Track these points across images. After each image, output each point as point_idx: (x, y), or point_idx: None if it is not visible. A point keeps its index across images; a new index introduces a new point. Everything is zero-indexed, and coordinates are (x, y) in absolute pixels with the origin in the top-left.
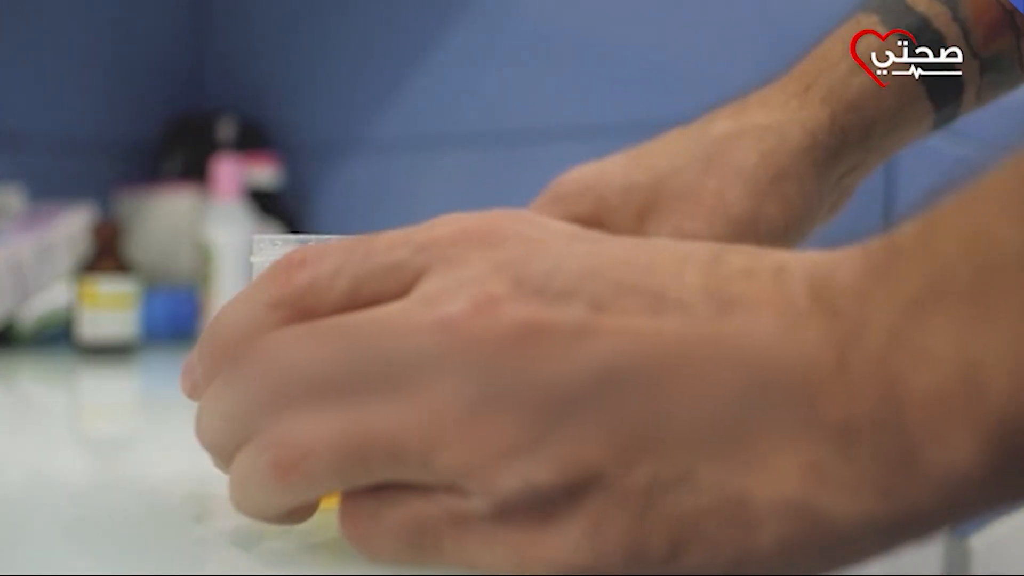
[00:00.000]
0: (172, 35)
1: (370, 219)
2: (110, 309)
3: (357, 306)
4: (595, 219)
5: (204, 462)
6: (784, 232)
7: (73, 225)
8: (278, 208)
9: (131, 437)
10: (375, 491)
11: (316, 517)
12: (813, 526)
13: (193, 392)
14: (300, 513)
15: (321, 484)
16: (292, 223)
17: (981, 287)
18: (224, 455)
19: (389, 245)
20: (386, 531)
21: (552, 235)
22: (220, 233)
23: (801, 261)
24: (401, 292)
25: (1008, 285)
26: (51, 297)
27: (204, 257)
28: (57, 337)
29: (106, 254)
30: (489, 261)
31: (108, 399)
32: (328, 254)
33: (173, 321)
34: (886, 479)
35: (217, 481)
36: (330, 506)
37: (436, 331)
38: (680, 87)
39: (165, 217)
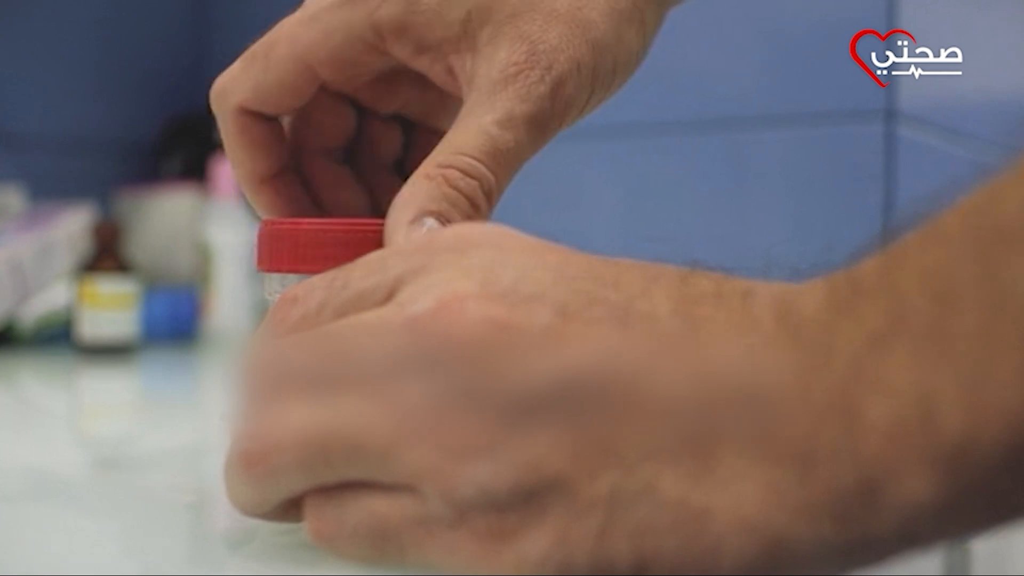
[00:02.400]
0: (172, 35)
1: None
2: (110, 309)
3: None
4: (402, 24)
5: (203, 462)
6: (636, 62)
7: (73, 225)
8: None
9: (131, 437)
10: (340, 490)
11: None
12: (772, 548)
13: None
14: (287, 511)
15: (286, 478)
16: None
17: (939, 323)
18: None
19: (364, 272)
20: (349, 532)
21: (521, 246)
22: (220, 233)
23: (768, 288)
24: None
25: (964, 321)
26: (51, 297)
27: (204, 257)
28: (57, 337)
29: (106, 254)
30: (457, 266)
31: (108, 399)
32: (314, 289)
33: (173, 321)
34: (842, 506)
35: (216, 481)
36: None
37: (404, 330)
38: (681, 88)
39: (165, 217)
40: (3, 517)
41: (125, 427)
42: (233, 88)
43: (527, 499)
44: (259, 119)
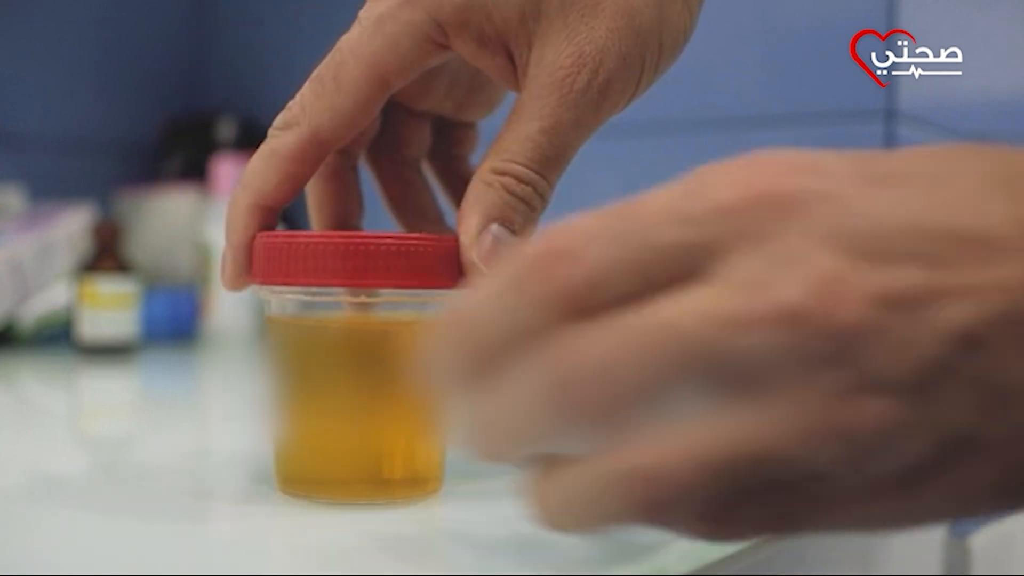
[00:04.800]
0: (172, 35)
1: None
2: (110, 309)
3: (646, 298)
4: (463, 19)
5: (204, 462)
6: (683, 40)
7: (73, 225)
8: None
9: (131, 437)
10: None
11: (311, 516)
12: None
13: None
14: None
15: (688, 506)
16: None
17: None
18: (522, 463)
19: (664, 220)
20: (750, 527)
21: (844, 182)
22: (220, 233)
23: None
24: (694, 276)
25: None
26: (51, 297)
27: (204, 257)
28: (57, 337)
29: (106, 254)
30: (800, 232)
31: (108, 399)
32: (593, 239)
33: (173, 321)
34: None
35: (216, 481)
36: (328, 500)
37: (779, 322)
38: (681, 87)
39: (165, 217)
40: (3, 517)
41: (125, 427)
42: (304, 116)
43: (941, 462)
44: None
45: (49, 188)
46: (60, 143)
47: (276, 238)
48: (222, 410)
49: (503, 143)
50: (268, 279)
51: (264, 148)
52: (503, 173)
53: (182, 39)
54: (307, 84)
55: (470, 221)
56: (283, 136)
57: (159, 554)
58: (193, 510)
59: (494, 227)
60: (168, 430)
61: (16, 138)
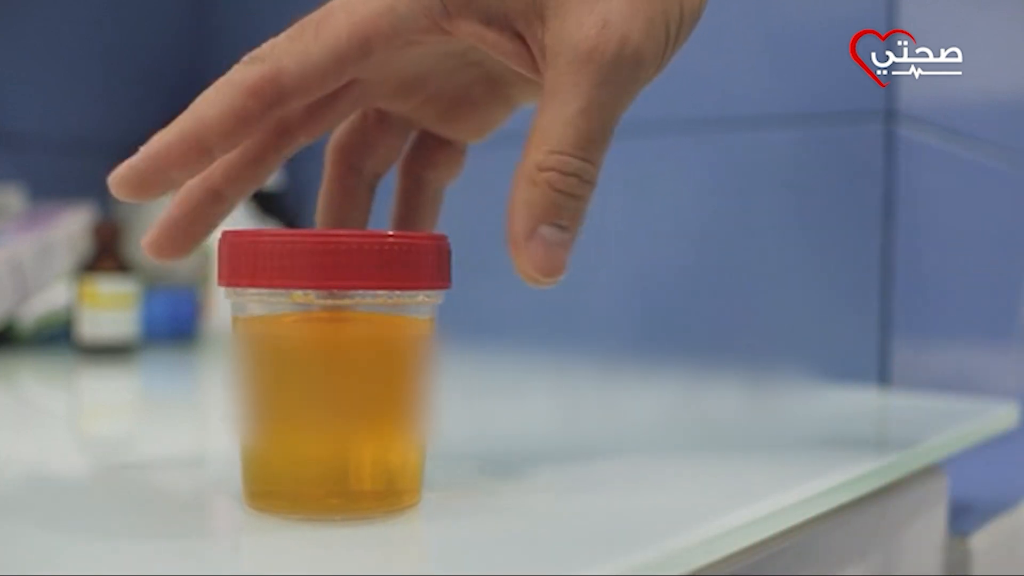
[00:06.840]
0: (172, 35)
1: (370, 219)
2: (110, 309)
3: None
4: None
5: (205, 463)
6: (699, 15)
7: (73, 225)
8: (278, 208)
9: (131, 437)
10: None
11: (314, 519)
12: None
13: None
14: None
15: None
16: (292, 223)
17: None
18: None
19: None
20: None
21: None
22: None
23: None
24: None
25: None
26: (51, 297)
27: (204, 257)
28: (57, 337)
29: (106, 254)
30: None
31: (108, 399)
32: None
33: (173, 321)
34: None
35: (217, 481)
36: (297, 515)
37: None
38: (682, 88)
39: None
40: (3, 517)
41: (125, 427)
42: (272, 54)
43: None
44: (277, 106)
45: (49, 188)
46: (60, 143)
47: (242, 237)
48: (221, 410)
49: (542, 130)
50: (233, 281)
51: (221, 78)
52: (547, 168)
53: (182, 39)
54: (287, 30)
55: (517, 228)
56: (243, 69)
57: (159, 554)
58: (193, 510)
59: (543, 229)
60: (168, 430)
61: (16, 138)
